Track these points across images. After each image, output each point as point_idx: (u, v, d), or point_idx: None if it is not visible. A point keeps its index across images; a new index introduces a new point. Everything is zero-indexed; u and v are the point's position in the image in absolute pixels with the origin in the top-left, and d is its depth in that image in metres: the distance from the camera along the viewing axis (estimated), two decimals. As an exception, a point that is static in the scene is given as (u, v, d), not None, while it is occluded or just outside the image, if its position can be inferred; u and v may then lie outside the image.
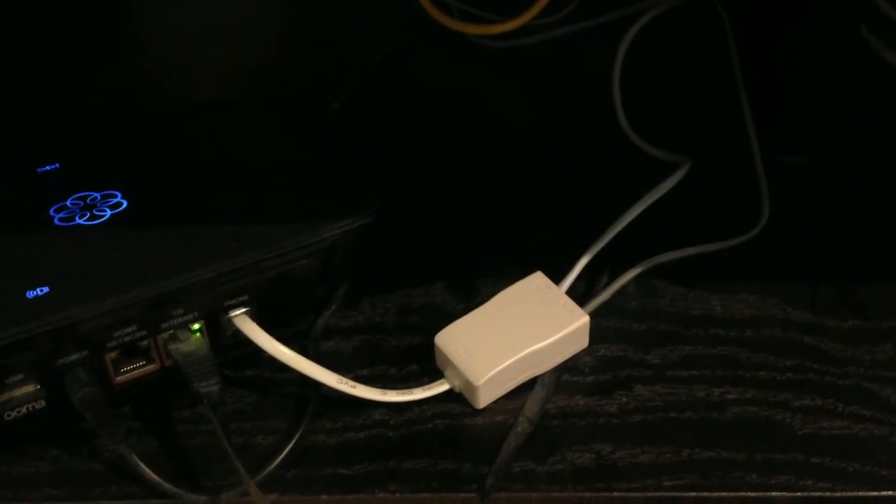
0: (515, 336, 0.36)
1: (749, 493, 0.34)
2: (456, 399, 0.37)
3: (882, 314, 0.39)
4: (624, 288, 0.41)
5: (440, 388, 0.36)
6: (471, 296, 0.40)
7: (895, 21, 0.45)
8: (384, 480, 0.34)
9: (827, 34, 0.44)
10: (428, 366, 0.38)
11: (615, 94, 0.47)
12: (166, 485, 0.32)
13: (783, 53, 0.47)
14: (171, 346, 0.33)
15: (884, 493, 0.33)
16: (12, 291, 0.32)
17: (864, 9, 0.44)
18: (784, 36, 0.47)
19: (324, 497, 0.34)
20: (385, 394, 0.36)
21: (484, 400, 0.36)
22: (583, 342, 0.38)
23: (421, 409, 0.37)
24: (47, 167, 0.39)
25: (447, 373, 0.37)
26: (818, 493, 0.34)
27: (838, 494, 0.34)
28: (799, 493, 0.34)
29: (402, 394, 0.36)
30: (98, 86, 0.51)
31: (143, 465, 0.32)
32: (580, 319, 0.37)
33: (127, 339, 0.32)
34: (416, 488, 0.34)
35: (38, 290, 0.32)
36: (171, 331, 0.33)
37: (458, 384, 0.36)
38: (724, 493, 0.34)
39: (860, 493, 0.34)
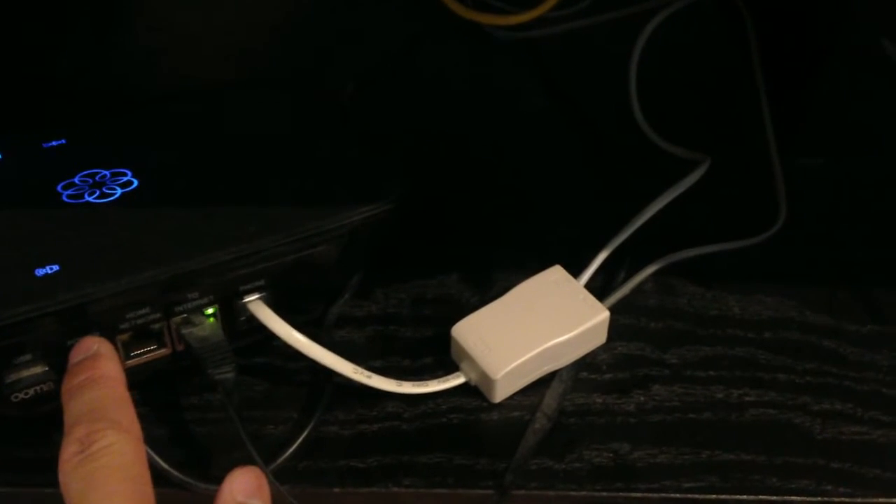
0: (534, 330, 0.36)
1: (769, 497, 0.33)
2: (471, 393, 0.36)
3: (901, 319, 0.39)
4: (641, 286, 0.40)
5: (456, 380, 0.36)
6: (486, 288, 0.40)
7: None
8: (398, 475, 0.33)
9: (847, 42, 0.43)
10: (442, 358, 0.37)
11: (632, 89, 0.46)
12: (175, 473, 0.31)
13: (803, 56, 0.46)
14: (186, 331, 0.32)
15: (905, 500, 0.33)
16: (21, 269, 0.31)
17: (884, 18, 0.44)
18: (805, 39, 0.46)
19: (336, 490, 0.33)
20: (400, 385, 0.35)
21: (501, 394, 0.35)
22: (601, 338, 0.37)
23: (435, 403, 0.36)
24: (53, 143, 0.38)
25: (463, 365, 0.36)
26: (838, 499, 0.33)
27: (859, 500, 0.33)
28: (819, 498, 0.33)
29: (418, 386, 0.35)
30: (104, 62, 0.50)
31: (151, 453, 0.31)
32: (600, 314, 0.36)
33: (139, 321, 0.31)
34: (431, 483, 0.33)
35: (47, 268, 0.31)
36: (185, 314, 0.32)
37: (474, 377, 0.36)
38: (743, 497, 0.33)
39: (881, 500, 0.33)
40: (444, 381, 0.35)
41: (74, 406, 0.28)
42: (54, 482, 0.32)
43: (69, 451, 0.26)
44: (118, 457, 0.26)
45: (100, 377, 0.29)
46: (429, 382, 0.35)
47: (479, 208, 0.44)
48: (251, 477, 0.28)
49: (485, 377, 0.35)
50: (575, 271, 0.38)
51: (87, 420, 0.27)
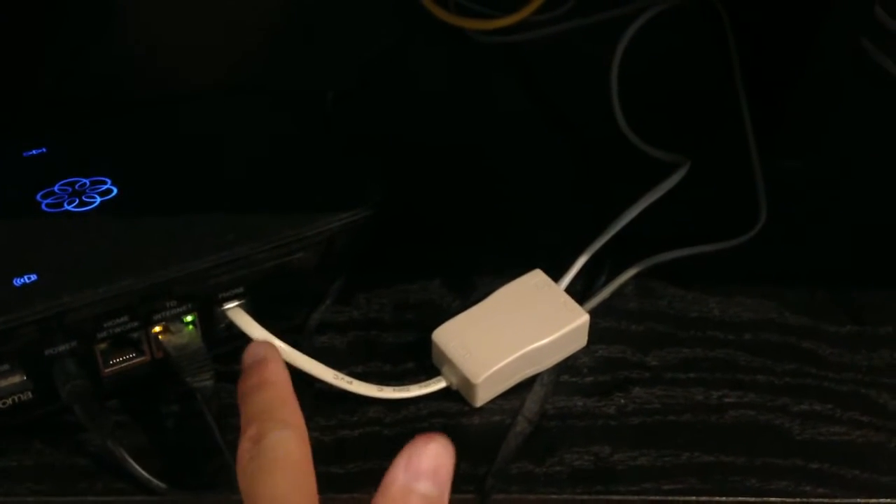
0: (514, 333, 0.36)
1: (748, 498, 0.33)
2: (452, 397, 0.36)
3: (879, 320, 0.39)
4: (622, 288, 0.40)
5: (437, 385, 0.36)
6: (468, 293, 0.40)
7: (893, 31, 0.46)
8: (379, 480, 0.33)
9: (827, 42, 0.44)
10: (424, 363, 0.37)
11: (613, 92, 0.47)
12: (155, 481, 0.31)
13: (783, 58, 0.47)
14: (164, 339, 0.32)
15: (883, 500, 0.33)
16: (-2, 278, 0.31)
17: (864, 19, 0.44)
18: (785, 41, 0.47)
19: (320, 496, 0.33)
20: (381, 390, 0.35)
21: (482, 398, 0.35)
22: (582, 341, 0.37)
23: (416, 408, 0.36)
24: (33, 151, 0.38)
25: (444, 370, 0.36)
26: (817, 500, 0.33)
27: (837, 501, 0.33)
28: (798, 499, 0.33)
29: (399, 390, 0.35)
30: (86, 70, 0.50)
31: (131, 461, 0.31)
32: (580, 318, 0.36)
33: (117, 330, 0.31)
34: (411, 488, 0.33)
35: (25, 277, 0.31)
36: (164, 322, 0.32)
37: (455, 381, 0.36)
38: (723, 498, 0.33)
39: (859, 500, 0.33)
40: (425, 386, 0.36)
41: (248, 407, 0.30)
42: (35, 492, 0.32)
43: (243, 448, 0.29)
44: (283, 452, 0.28)
45: (268, 380, 0.31)
46: (410, 387, 0.35)
47: (460, 212, 0.44)
48: (431, 454, 0.27)
49: (466, 381, 0.35)
50: (556, 275, 0.39)
51: (259, 419, 0.29)
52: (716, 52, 0.51)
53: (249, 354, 0.32)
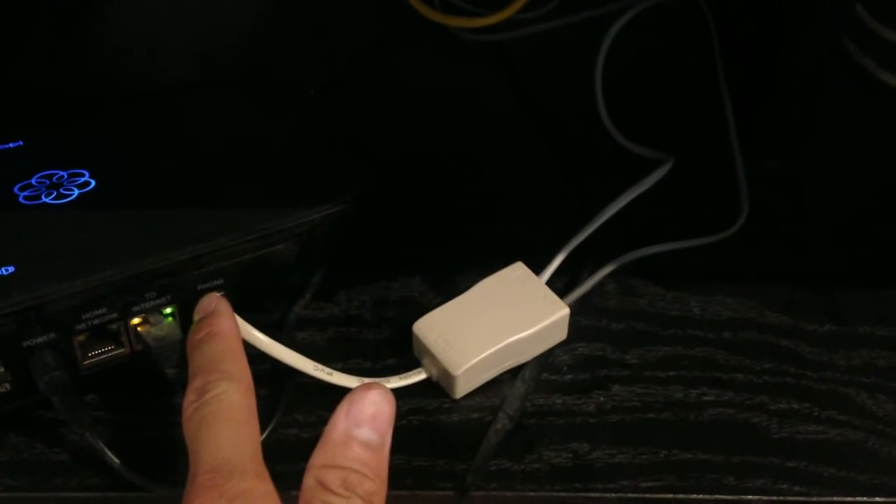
0: (495, 326, 0.36)
1: (725, 496, 0.33)
2: (432, 394, 0.36)
3: (858, 319, 0.39)
4: (603, 286, 0.40)
5: (417, 376, 0.36)
6: (449, 289, 0.40)
7: (876, 32, 0.46)
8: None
9: (810, 42, 0.44)
10: (404, 359, 0.37)
11: (597, 89, 0.47)
12: (135, 475, 0.31)
13: (766, 57, 0.47)
14: (143, 331, 0.32)
15: (859, 498, 0.33)
16: (-25, 270, 0.31)
17: (847, 19, 0.44)
18: (767, 41, 0.47)
19: (294, 493, 0.33)
20: (361, 381, 0.35)
21: (461, 390, 0.35)
22: (562, 334, 0.37)
23: (396, 404, 0.36)
24: (10, 145, 0.38)
25: (425, 362, 0.36)
26: (794, 498, 0.34)
27: (814, 499, 0.34)
28: (775, 497, 0.34)
29: (379, 382, 0.35)
30: (64, 64, 0.49)
31: (110, 454, 0.31)
32: (561, 311, 0.36)
33: (96, 321, 0.31)
34: (390, 485, 0.33)
35: (2, 269, 0.31)
36: (143, 314, 0.32)
37: (435, 373, 0.36)
38: (700, 496, 0.33)
39: (836, 498, 0.34)
40: (405, 378, 0.36)
41: (195, 359, 0.30)
42: (9, 487, 0.32)
43: (189, 400, 0.29)
44: (227, 402, 0.29)
45: (216, 333, 0.31)
46: (390, 378, 0.35)
47: (443, 209, 0.44)
48: (370, 402, 0.28)
49: (446, 373, 0.35)
50: (538, 269, 0.39)
51: (204, 371, 0.30)
52: (699, 50, 0.51)
53: (200, 307, 0.32)
